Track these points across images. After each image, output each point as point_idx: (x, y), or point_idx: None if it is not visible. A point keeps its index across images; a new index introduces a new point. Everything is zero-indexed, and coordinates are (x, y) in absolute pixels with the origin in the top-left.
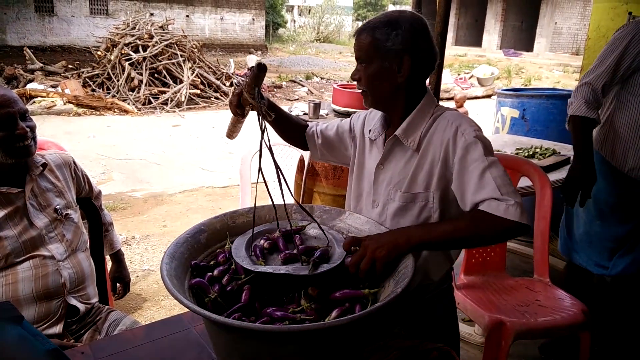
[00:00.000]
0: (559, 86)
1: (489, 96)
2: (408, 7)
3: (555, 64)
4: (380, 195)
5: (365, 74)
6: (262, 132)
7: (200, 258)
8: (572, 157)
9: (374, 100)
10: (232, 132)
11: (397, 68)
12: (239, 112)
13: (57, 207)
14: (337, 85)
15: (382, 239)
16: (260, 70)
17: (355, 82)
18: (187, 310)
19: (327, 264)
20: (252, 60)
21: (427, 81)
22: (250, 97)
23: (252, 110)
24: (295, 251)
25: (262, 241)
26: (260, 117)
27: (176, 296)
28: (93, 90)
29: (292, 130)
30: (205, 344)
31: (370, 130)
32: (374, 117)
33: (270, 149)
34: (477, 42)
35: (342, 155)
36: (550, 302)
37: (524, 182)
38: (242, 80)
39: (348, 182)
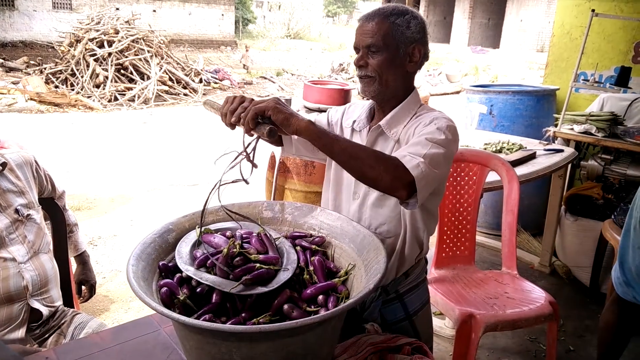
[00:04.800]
0: (524, 82)
1: (457, 92)
2: (378, 4)
3: (521, 60)
4: (362, 187)
5: (378, 59)
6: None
7: (169, 258)
8: None
9: (381, 87)
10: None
11: (409, 57)
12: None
13: (18, 207)
14: (308, 82)
15: (284, 109)
16: (270, 136)
17: (358, 68)
18: None
19: (262, 286)
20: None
21: None
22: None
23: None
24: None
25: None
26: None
27: (143, 298)
28: (56, 86)
29: None
30: (175, 346)
31: (354, 121)
32: (354, 110)
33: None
34: (445, 39)
35: (318, 150)
36: (518, 294)
37: (492, 176)
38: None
39: (325, 176)
